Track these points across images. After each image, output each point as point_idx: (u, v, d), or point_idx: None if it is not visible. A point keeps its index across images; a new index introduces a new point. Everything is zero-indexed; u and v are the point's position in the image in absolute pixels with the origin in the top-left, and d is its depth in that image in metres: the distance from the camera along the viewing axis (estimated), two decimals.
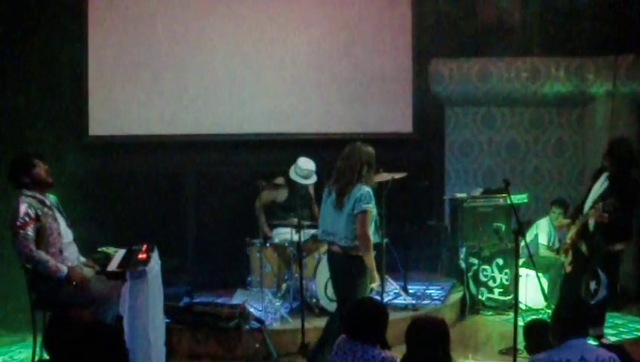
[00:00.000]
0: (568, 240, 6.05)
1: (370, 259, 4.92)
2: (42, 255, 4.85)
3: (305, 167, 6.58)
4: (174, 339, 5.72)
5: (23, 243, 4.82)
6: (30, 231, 4.83)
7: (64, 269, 4.89)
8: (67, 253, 5.06)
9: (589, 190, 6.02)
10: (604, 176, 5.91)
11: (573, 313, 3.59)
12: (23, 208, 4.85)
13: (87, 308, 4.87)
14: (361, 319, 3.86)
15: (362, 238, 4.89)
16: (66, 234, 5.10)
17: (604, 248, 5.85)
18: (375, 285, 5.01)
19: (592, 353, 3.47)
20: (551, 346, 3.60)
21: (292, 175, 6.64)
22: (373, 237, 4.96)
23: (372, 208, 4.92)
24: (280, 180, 6.79)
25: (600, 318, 5.95)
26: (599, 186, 5.91)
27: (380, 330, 3.84)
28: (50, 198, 5.11)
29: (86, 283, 4.94)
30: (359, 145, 5.10)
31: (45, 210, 4.96)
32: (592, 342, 4.50)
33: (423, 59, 8.20)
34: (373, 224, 4.98)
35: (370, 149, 5.08)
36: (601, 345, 5.48)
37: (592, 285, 6.18)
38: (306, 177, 6.61)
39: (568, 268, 6.09)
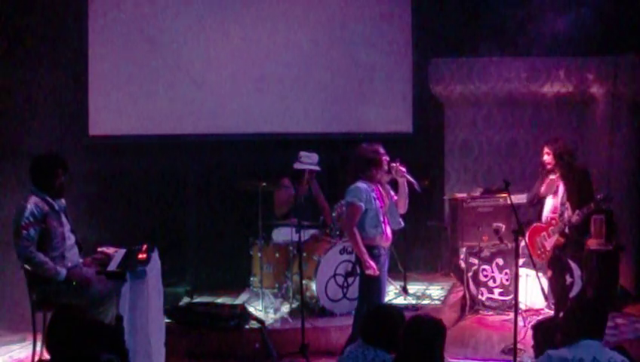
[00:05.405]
0: (549, 249, 6.19)
1: (358, 249, 5.09)
2: (41, 257, 4.85)
3: (308, 154, 6.77)
4: (174, 339, 5.71)
5: (24, 243, 4.83)
6: (33, 232, 4.84)
7: (63, 272, 4.91)
8: (69, 255, 5.07)
9: (537, 197, 6.29)
10: (552, 180, 6.15)
11: (589, 314, 3.59)
12: (29, 208, 4.86)
13: (87, 308, 4.89)
14: (379, 325, 3.85)
15: (345, 229, 5.29)
16: (69, 237, 5.12)
17: (580, 241, 6.26)
18: (370, 272, 5.04)
19: (605, 355, 3.47)
20: (555, 345, 3.60)
21: (298, 166, 6.72)
22: (370, 231, 5.11)
23: (358, 202, 5.05)
24: (286, 182, 6.81)
25: None
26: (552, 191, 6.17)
27: (397, 337, 3.80)
28: (60, 202, 5.13)
29: (86, 282, 4.94)
30: (359, 146, 5.27)
31: (52, 213, 4.97)
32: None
33: (423, 59, 8.20)
34: (371, 218, 5.10)
35: (371, 147, 5.22)
36: None
37: (567, 278, 6.51)
38: (312, 164, 6.75)
39: (549, 272, 6.28)
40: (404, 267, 7.23)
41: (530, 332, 5.69)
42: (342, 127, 7.92)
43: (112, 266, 4.83)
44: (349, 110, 7.97)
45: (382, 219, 5.16)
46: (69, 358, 3.37)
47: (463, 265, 7.25)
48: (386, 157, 5.25)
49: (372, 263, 5.04)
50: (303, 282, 6.06)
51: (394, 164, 5.27)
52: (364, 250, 5.06)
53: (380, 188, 5.24)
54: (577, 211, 5.93)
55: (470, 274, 7.16)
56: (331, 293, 6.33)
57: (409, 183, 5.30)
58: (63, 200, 5.17)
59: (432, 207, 8.12)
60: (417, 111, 8.19)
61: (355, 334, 5.05)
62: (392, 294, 6.95)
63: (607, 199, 5.94)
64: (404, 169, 5.28)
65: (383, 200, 5.21)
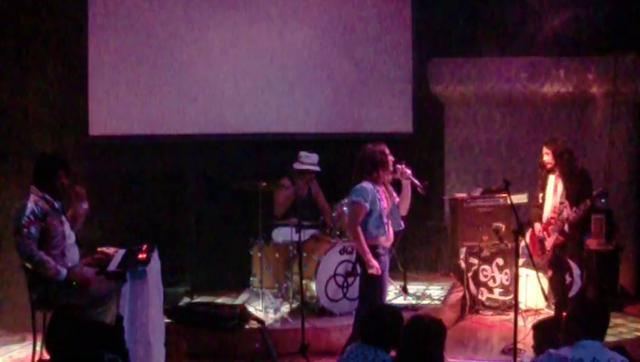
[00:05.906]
0: (549, 248, 6.23)
1: (361, 248, 5.04)
2: (42, 256, 4.85)
3: (308, 155, 6.76)
4: (174, 339, 5.71)
5: (25, 241, 4.82)
6: (34, 230, 4.84)
7: (63, 272, 4.90)
8: (69, 254, 5.07)
9: (541, 198, 6.32)
10: (552, 180, 6.19)
11: (590, 314, 3.59)
12: (29, 207, 4.86)
13: (87, 308, 4.89)
14: (379, 325, 3.86)
15: (348, 228, 5.29)
16: (70, 236, 5.12)
17: (579, 239, 6.30)
18: (373, 271, 5.03)
19: (605, 355, 3.46)
20: (555, 345, 3.60)
21: (298, 166, 6.71)
22: (372, 231, 5.08)
23: (363, 202, 5.02)
24: (286, 182, 6.81)
25: None
26: (552, 191, 6.20)
27: (396, 337, 3.79)
28: (59, 201, 5.13)
29: (87, 282, 4.94)
30: (365, 146, 5.22)
31: (52, 211, 4.97)
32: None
33: (423, 59, 8.20)
34: (374, 219, 5.07)
35: (377, 148, 5.17)
36: None
37: (567, 277, 6.49)
38: (312, 164, 6.75)
39: (550, 272, 6.30)
40: (404, 267, 7.24)
41: (530, 332, 5.69)
42: (342, 127, 7.92)
43: (112, 266, 4.83)
44: (349, 110, 7.97)
45: (385, 220, 5.16)
46: (69, 358, 3.37)
47: (463, 265, 7.25)
48: (391, 158, 5.24)
49: (375, 263, 5.03)
50: (303, 282, 6.07)
51: (399, 166, 5.26)
52: (367, 249, 5.04)
53: (384, 189, 5.23)
54: (574, 208, 5.95)
55: (470, 274, 7.16)
56: (331, 293, 6.33)
57: (412, 185, 5.29)
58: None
59: (432, 207, 8.12)
60: (417, 112, 8.18)
61: (356, 334, 5.05)
62: (392, 294, 6.94)
63: (602, 195, 5.95)
64: (409, 171, 5.27)
65: (386, 202, 5.20)
